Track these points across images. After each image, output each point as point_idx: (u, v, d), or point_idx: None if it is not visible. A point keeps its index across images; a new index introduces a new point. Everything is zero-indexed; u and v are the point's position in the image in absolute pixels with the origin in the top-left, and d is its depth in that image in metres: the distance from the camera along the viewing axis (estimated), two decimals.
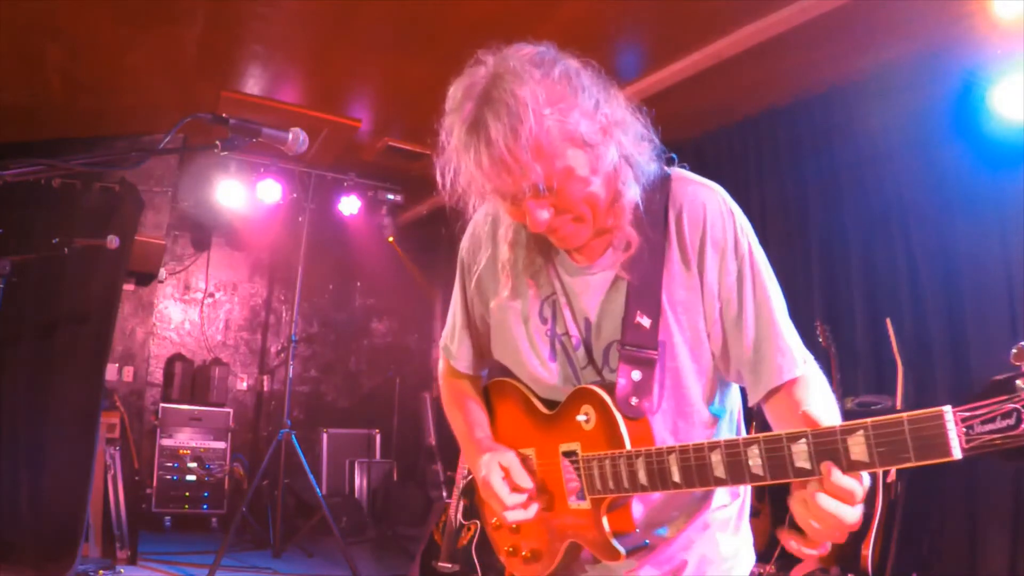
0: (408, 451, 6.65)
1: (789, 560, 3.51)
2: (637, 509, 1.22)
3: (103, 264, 4.53)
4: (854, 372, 3.87)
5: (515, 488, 1.22)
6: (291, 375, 5.06)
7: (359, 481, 6.34)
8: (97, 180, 4.71)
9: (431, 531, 4.00)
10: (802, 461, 0.90)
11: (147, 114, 4.52)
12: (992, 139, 3.30)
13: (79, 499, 4.18)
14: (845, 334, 3.93)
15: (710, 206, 1.20)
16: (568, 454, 1.23)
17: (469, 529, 4.06)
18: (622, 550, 1.15)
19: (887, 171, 3.93)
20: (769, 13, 3.30)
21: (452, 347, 1.48)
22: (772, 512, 3.87)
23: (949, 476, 3.43)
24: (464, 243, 1.43)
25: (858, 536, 3.32)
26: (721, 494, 1.30)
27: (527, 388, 1.35)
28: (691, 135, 4.77)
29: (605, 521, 1.16)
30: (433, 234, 7.13)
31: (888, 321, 3.56)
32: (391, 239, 6.63)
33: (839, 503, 0.88)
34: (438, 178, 1.20)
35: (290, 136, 1.57)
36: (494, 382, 1.46)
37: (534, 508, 1.22)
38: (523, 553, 1.33)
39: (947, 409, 0.80)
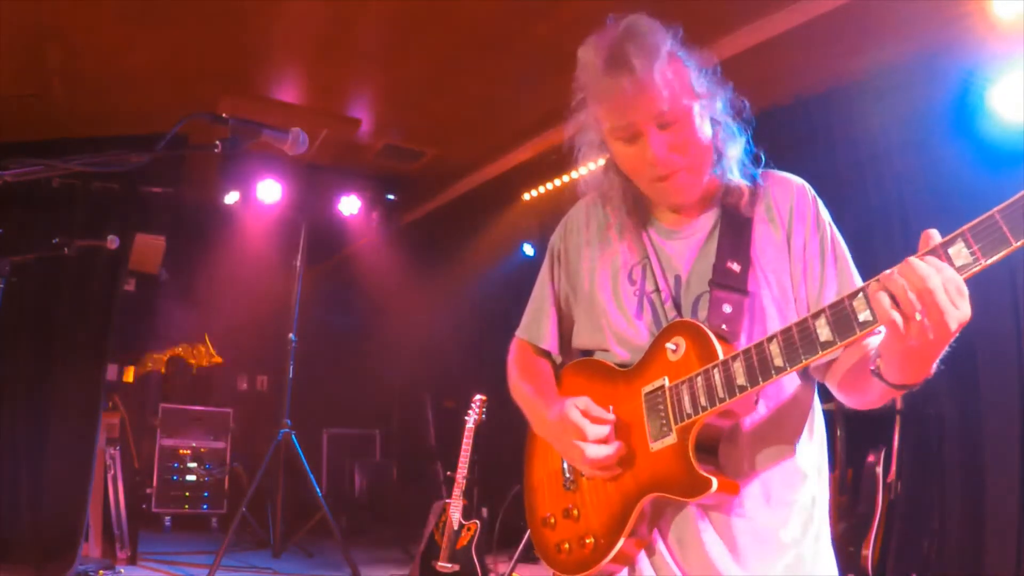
0: (408, 451, 6.65)
1: None
2: (724, 452, 1.20)
3: (103, 264, 4.54)
4: None
5: (596, 421, 1.22)
6: (291, 375, 5.06)
7: (359, 481, 6.35)
8: (97, 180, 4.71)
9: (431, 531, 4.00)
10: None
11: (147, 114, 4.52)
12: (991, 139, 3.31)
13: (79, 499, 4.18)
14: None
15: (797, 187, 1.36)
16: (651, 393, 1.22)
17: (469, 529, 4.07)
18: (712, 478, 1.11)
19: (887, 171, 3.93)
20: (769, 13, 3.30)
21: (537, 329, 1.51)
22: None
23: (950, 474, 3.43)
24: (557, 232, 1.53)
25: (858, 536, 3.33)
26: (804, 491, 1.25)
27: (604, 360, 1.36)
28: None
29: (691, 449, 1.13)
30: (433, 234, 7.13)
31: None
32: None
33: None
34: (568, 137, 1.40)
35: (290, 136, 1.57)
36: (570, 364, 1.46)
37: (616, 445, 1.21)
38: (568, 546, 1.28)
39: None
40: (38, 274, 4.37)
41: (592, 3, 3.41)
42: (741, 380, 1.09)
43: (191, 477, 5.76)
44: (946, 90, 3.49)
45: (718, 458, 1.18)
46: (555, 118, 4.77)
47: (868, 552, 3.21)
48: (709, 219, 1.33)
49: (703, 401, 1.13)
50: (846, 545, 3.41)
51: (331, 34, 3.77)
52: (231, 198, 5.70)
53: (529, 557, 4.14)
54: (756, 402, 1.19)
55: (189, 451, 5.82)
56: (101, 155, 1.44)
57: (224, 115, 1.50)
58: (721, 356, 1.14)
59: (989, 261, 0.94)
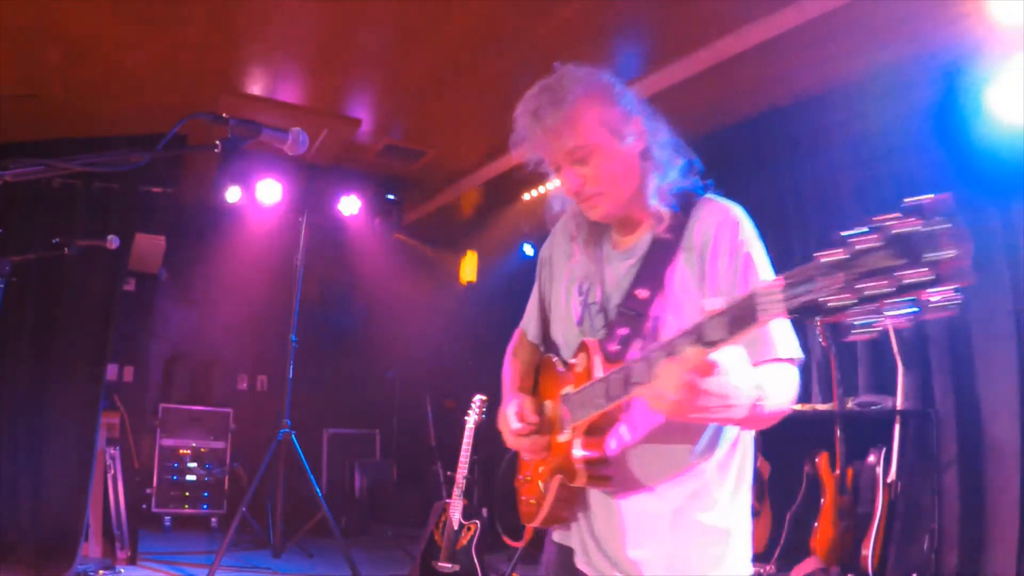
0: (408, 451, 6.65)
1: (789, 560, 3.51)
2: (612, 444, 1.40)
3: (103, 264, 4.54)
4: (854, 372, 3.88)
5: (520, 419, 1.50)
6: (291, 375, 5.06)
7: (359, 481, 6.34)
8: (97, 180, 4.71)
9: (431, 531, 4.00)
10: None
11: (147, 114, 4.52)
12: (990, 140, 3.31)
13: (79, 499, 4.19)
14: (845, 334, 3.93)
15: (721, 216, 1.43)
16: (562, 397, 1.46)
17: (469, 529, 4.07)
18: (582, 472, 1.34)
19: (886, 171, 3.93)
20: (769, 13, 3.30)
21: (529, 323, 1.76)
22: (772, 512, 3.87)
23: (950, 474, 3.43)
24: (545, 243, 1.74)
25: (858, 536, 3.33)
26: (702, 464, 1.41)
27: (559, 356, 1.58)
28: (691, 135, 4.75)
29: (578, 443, 1.36)
30: (433, 234, 7.14)
31: None
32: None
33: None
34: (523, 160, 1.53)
35: (290, 136, 1.57)
36: (543, 359, 1.69)
37: (532, 440, 1.48)
38: (531, 501, 1.55)
39: (778, 278, 0.96)
40: (38, 274, 4.37)
41: (592, 3, 3.42)
42: (612, 393, 1.27)
43: (191, 477, 5.76)
44: (945, 91, 3.49)
45: (604, 452, 1.38)
46: None
47: (868, 552, 3.21)
48: (645, 243, 1.47)
49: (586, 409, 1.35)
50: (846, 545, 3.41)
51: (331, 34, 3.77)
52: (232, 195, 5.69)
53: (529, 557, 4.14)
54: (626, 410, 1.39)
55: (189, 451, 5.82)
56: (101, 155, 1.44)
57: (224, 115, 1.50)
58: (599, 374, 1.34)
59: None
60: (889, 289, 0.80)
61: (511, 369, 1.72)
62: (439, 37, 3.71)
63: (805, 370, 4.19)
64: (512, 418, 1.51)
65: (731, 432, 1.43)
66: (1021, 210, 3.33)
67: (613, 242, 1.54)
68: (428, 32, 3.68)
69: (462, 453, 3.94)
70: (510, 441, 1.53)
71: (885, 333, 3.56)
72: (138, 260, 4.94)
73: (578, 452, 1.34)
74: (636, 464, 1.40)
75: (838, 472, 3.50)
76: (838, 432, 3.57)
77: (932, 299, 0.78)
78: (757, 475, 3.86)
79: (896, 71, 3.63)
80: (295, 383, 5.00)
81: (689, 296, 1.38)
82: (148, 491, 5.56)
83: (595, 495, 1.44)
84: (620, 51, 3.86)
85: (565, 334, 1.57)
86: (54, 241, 3.43)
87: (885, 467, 3.35)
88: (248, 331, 6.54)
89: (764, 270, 1.37)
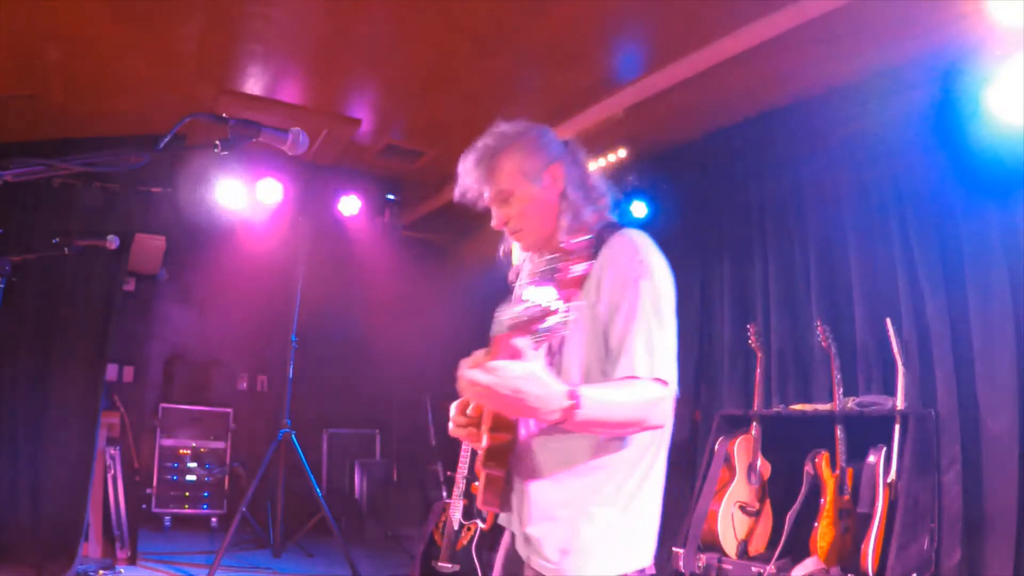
0: (408, 451, 6.64)
1: (789, 560, 3.51)
2: (521, 436, 1.61)
3: (103, 264, 4.54)
4: (854, 372, 3.88)
5: (461, 413, 1.71)
6: (291, 375, 5.06)
7: (359, 481, 6.34)
8: (97, 180, 4.71)
9: (431, 531, 4.00)
10: None
11: (147, 114, 4.52)
12: (990, 140, 3.31)
13: (79, 499, 4.19)
14: (845, 334, 3.93)
15: (621, 246, 1.58)
16: None
17: (469, 529, 4.07)
18: (481, 460, 1.58)
19: (886, 171, 3.93)
20: (769, 13, 3.29)
21: None
22: (772, 512, 3.87)
23: (950, 474, 3.43)
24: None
25: (858, 536, 3.33)
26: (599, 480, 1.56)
27: None
28: (691, 135, 4.78)
29: (485, 437, 1.59)
30: (433, 234, 7.13)
31: (888, 321, 3.57)
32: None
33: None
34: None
35: (290, 136, 1.57)
36: None
37: (468, 431, 1.68)
38: (476, 484, 1.82)
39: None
40: (38, 274, 4.37)
41: (592, 3, 3.42)
42: None
43: (191, 477, 5.76)
44: (943, 91, 3.49)
45: (508, 450, 1.60)
46: (555, 118, 4.79)
47: (868, 552, 3.21)
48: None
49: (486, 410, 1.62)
50: (846, 545, 3.41)
51: (331, 34, 3.77)
52: (232, 195, 5.70)
53: None
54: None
55: (189, 451, 5.82)
56: (101, 155, 1.44)
57: (224, 115, 1.50)
58: None
59: None
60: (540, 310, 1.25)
61: None
62: (439, 37, 3.71)
63: (805, 370, 4.20)
64: (454, 411, 1.73)
65: (641, 435, 1.54)
66: (1020, 210, 3.32)
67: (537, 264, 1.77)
68: (428, 32, 3.68)
69: (462, 453, 3.94)
70: (451, 429, 1.73)
71: (885, 333, 3.56)
72: (138, 260, 4.94)
73: (484, 443, 1.60)
74: (539, 455, 1.58)
75: (838, 472, 3.50)
76: (838, 432, 3.57)
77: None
78: (758, 475, 3.86)
79: (895, 71, 3.63)
80: (295, 383, 5.00)
81: (592, 317, 1.55)
82: (148, 491, 5.56)
83: (516, 482, 1.62)
84: (620, 51, 3.86)
85: None
86: (54, 241, 3.43)
87: (885, 467, 3.34)
88: (248, 331, 6.54)
89: (650, 307, 1.49)
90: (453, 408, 1.74)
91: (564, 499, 1.55)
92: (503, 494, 1.64)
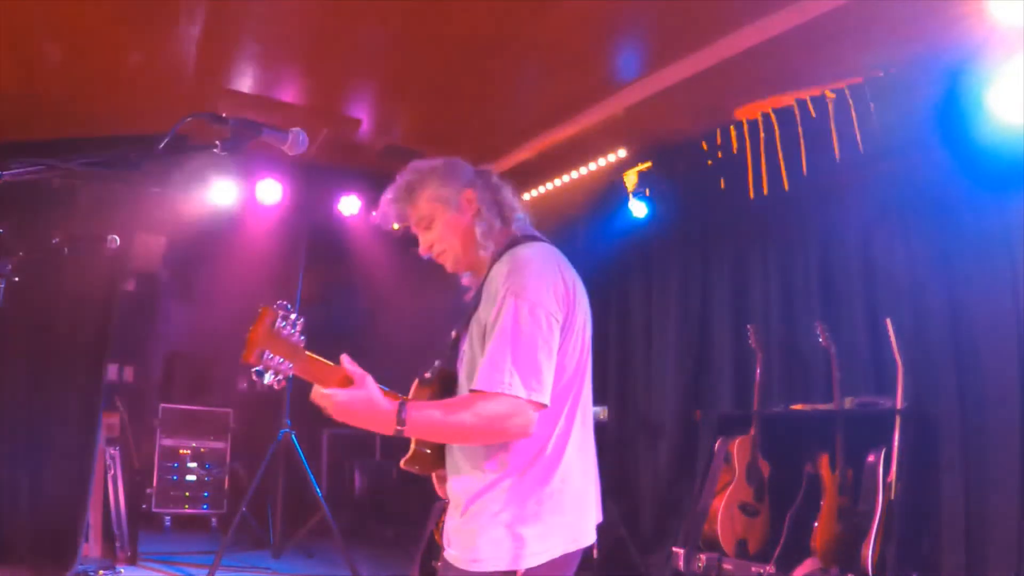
0: (408, 451, 6.63)
1: (789, 560, 3.51)
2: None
3: (103, 264, 4.54)
4: (854, 372, 3.88)
5: None
6: (291, 375, 5.04)
7: (359, 481, 6.34)
8: (97, 180, 4.71)
9: (431, 531, 3.99)
10: None
11: (147, 114, 4.52)
12: (990, 140, 3.31)
13: (79, 499, 4.19)
14: (845, 334, 3.93)
15: (501, 267, 1.67)
16: None
17: None
18: (411, 450, 1.83)
19: (886, 171, 3.93)
20: (769, 13, 3.29)
21: None
22: (772, 512, 3.87)
23: (950, 474, 3.43)
24: None
25: (858, 536, 3.33)
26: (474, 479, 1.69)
27: None
28: (691, 135, 4.77)
29: (412, 443, 1.82)
30: None
31: (888, 321, 3.57)
32: (396, 226, 6.60)
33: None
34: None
35: (290, 136, 1.57)
36: None
37: None
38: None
39: None
40: (38, 274, 4.36)
41: (592, 3, 3.42)
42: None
43: (191, 477, 5.76)
44: (945, 91, 3.49)
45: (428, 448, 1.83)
46: (555, 118, 4.78)
47: (868, 552, 3.21)
48: (477, 289, 1.80)
49: None
50: (846, 545, 3.41)
51: (331, 34, 3.77)
52: (232, 196, 5.70)
53: None
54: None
55: (189, 451, 5.82)
56: (101, 155, 1.44)
57: (224, 115, 1.50)
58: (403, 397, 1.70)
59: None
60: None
61: None
62: (439, 37, 3.71)
63: (805, 370, 4.20)
64: None
65: (530, 447, 1.61)
66: (1021, 210, 3.33)
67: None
68: (428, 32, 3.68)
69: None
70: None
71: (885, 333, 3.56)
72: (138, 260, 4.94)
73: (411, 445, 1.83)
74: (448, 457, 1.78)
75: (838, 472, 3.50)
76: (838, 432, 3.57)
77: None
78: (758, 475, 3.86)
79: (896, 71, 3.63)
80: (295, 383, 4.99)
81: (476, 338, 1.68)
82: (148, 491, 5.56)
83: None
84: (620, 51, 3.86)
85: None
86: (54, 241, 3.43)
87: (885, 467, 3.34)
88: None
89: (515, 323, 1.57)
90: None
91: (459, 497, 1.74)
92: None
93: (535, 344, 1.56)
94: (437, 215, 1.82)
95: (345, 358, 1.67)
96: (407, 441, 1.83)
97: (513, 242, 1.77)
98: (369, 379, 1.62)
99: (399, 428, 1.54)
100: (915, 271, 3.77)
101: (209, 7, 3.46)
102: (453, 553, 1.72)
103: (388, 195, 1.87)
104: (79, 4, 3.35)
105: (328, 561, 4.99)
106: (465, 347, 1.75)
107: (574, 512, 1.63)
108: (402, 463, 1.89)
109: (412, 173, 1.85)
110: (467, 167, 1.90)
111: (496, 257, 1.75)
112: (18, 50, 3.77)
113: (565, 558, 1.60)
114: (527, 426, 1.55)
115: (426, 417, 1.58)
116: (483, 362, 1.57)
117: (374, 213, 1.95)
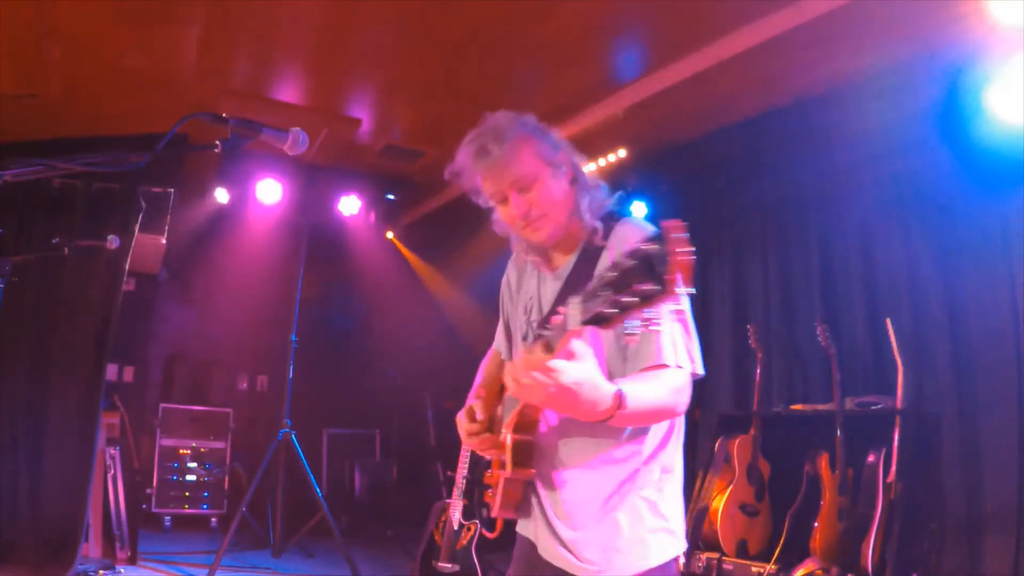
0: (408, 451, 6.64)
1: (789, 560, 3.51)
2: (545, 438, 1.59)
3: (103, 264, 4.53)
4: (854, 372, 3.88)
5: (471, 419, 1.68)
6: (291, 375, 5.06)
7: (359, 481, 6.34)
8: (97, 180, 4.71)
9: (431, 531, 3.99)
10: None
11: (147, 114, 4.52)
12: (990, 140, 3.31)
13: (79, 499, 4.18)
14: (845, 334, 3.93)
15: (632, 235, 1.56)
16: (505, 399, 1.69)
17: (469, 529, 4.06)
18: (509, 462, 1.54)
19: (886, 171, 3.93)
20: (769, 13, 3.29)
21: (498, 343, 1.95)
22: (772, 512, 3.87)
23: (950, 474, 3.43)
24: (507, 269, 1.92)
25: (858, 536, 3.32)
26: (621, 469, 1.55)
27: None
28: (691, 135, 4.77)
29: (508, 438, 1.56)
30: (433, 234, 7.12)
31: (888, 321, 3.56)
32: (391, 235, 6.62)
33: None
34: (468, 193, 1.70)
35: (290, 136, 1.57)
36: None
37: (481, 439, 1.65)
38: (491, 492, 1.70)
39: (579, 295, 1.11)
40: (38, 274, 4.36)
41: (592, 3, 3.42)
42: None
43: (191, 477, 5.76)
44: (944, 91, 3.49)
45: (531, 446, 1.58)
46: (555, 118, 4.78)
47: (868, 552, 3.21)
48: (571, 263, 1.65)
49: (510, 410, 1.59)
50: (846, 545, 3.41)
51: (331, 34, 3.77)
52: (223, 197, 5.71)
53: None
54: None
55: (189, 451, 5.82)
56: (101, 155, 1.44)
57: (224, 115, 1.50)
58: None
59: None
60: (635, 299, 0.98)
61: (477, 378, 1.95)
62: (439, 37, 3.71)
63: (805, 370, 4.20)
64: (460, 419, 1.71)
65: (660, 426, 1.57)
66: (1021, 210, 3.32)
67: (553, 264, 1.72)
68: (428, 32, 3.68)
69: (462, 453, 3.93)
70: (464, 440, 1.70)
71: (885, 333, 3.56)
72: (138, 260, 4.93)
73: (507, 445, 1.56)
74: (564, 453, 1.57)
75: (838, 472, 3.50)
76: (838, 432, 3.57)
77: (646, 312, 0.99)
78: (758, 475, 3.86)
79: (896, 71, 3.62)
80: (295, 383, 5.00)
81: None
82: (148, 491, 5.56)
83: (542, 485, 1.60)
84: (620, 51, 3.86)
85: (514, 352, 1.82)
86: (54, 241, 3.43)
87: (885, 467, 3.34)
88: (248, 331, 6.54)
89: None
90: (462, 417, 1.71)
91: (598, 495, 1.54)
92: (522, 500, 1.63)
93: (689, 319, 1.56)
94: (541, 176, 1.59)
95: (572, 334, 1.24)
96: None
97: (611, 216, 1.64)
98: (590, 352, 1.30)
99: (615, 407, 1.32)
100: (915, 271, 3.77)
101: (209, 7, 3.46)
102: (595, 560, 1.52)
103: (474, 155, 1.58)
104: (79, 4, 3.35)
105: (328, 561, 4.99)
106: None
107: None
108: (495, 511, 1.65)
109: (501, 128, 1.59)
110: (546, 128, 1.69)
111: (595, 232, 1.60)
112: (18, 50, 3.77)
113: None
114: (688, 402, 1.50)
115: (643, 394, 1.40)
116: (658, 337, 1.46)
117: (450, 169, 1.65)
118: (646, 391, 1.41)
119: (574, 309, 1.11)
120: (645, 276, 0.97)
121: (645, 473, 1.54)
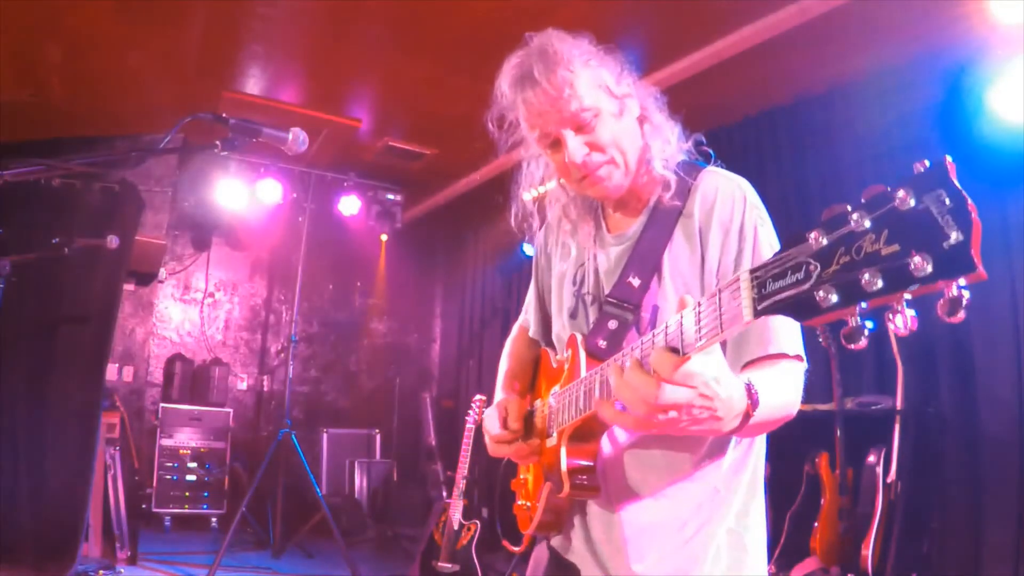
0: (408, 451, 6.65)
1: (789, 560, 3.51)
2: (605, 448, 1.27)
3: (103, 264, 4.53)
4: (854, 372, 3.88)
5: (503, 426, 1.38)
6: (291, 375, 5.06)
7: (359, 481, 6.34)
8: (97, 180, 4.70)
9: (431, 531, 3.99)
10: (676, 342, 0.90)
11: (147, 114, 4.53)
12: (990, 139, 3.31)
13: (79, 499, 4.18)
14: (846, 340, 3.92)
15: (723, 190, 1.27)
16: (552, 395, 1.33)
17: (469, 529, 4.07)
18: (566, 481, 1.20)
19: (887, 171, 3.93)
20: (769, 13, 3.30)
21: (528, 316, 1.65)
22: (772, 512, 3.87)
23: (950, 474, 3.43)
24: (541, 231, 1.58)
25: (858, 536, 3.32)
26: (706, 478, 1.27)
27: (550, 357, 1.46)
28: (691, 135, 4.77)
29: (563, 451, 1.21)
30: (433, 234, 7.13)
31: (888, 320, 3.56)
32: (384, 237, 6.60)
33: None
34: (495, 135, 1.39)
35: (290, 136, 1.57)
36: (541, 352, 1.55)
37: (516, 447, 1.35)
38: (525, 505, 1.42)
39: (744, 272, 0.78)
40: (38, 274, 4.36)
41: (592, 3, 3.42)
42: (587, 400, 1.13)
43: (191, 477, 5.75)
44: (945, 91, 3.49)
45: (594, 460, 1.24)
46: None
47: (868, 552, 3.21)
48: (640, 225, 1.33)
49: (570, 412, 1.20)
50: (846, 545, 3.41)
51: (331, 34, 3.77)
52: (232, 196, 5.71)
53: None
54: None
55: (189, 451, 5.81)
56: (101, 155, 1.44)
57: (224, 115, 1.50)
58: (583, 373, 1.19)
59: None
60: (880, 285, 0.63)
61: (503, 367, 1.61)
62: (439, 37, 3.71)
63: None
64: (494, 423, 1.40)
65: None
66: (1021, 209, 3.32)
67: (608, 225, 1.39)
68: (428, 32, 3.68)
69: (462, 453, 3.94)
70: (491, 448, 1.41)
71: (885, 333, 3.55)
72: (138, 260, 4.93)
73: (563, 460, 1.21)
74: (633, 472, 1.26)
75: (838, 472, 3.50)
76: (838, 432, 3.56)
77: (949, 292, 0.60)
78: None
79: (898, 71, 3.63)
80: (295, 383, 4.99)
81: (690, 282, 1.23)
82: (148, 491, 5.55)
83: (593, 505, 1.30)
84: (620, 51, 3.86)
85: (559, 328, 1.44)
86: (54, 241, 3.43)
87: (885, 467, 3.34)
88: (248, 331, 6.55)
89: (768, 249, 1.19)
90: (492, 418, 1.41)
91: (670, 521, 1.23)
92: (568, 516, 1.34)
93: None
94: (603, 111, 1.25)
95: None
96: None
97: (689, 167, 1.32)
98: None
99: (748, 409, 0.99)
100: None
101: (209, 7, 3.47)
102: None
103: (523, 70, 1.25)
104: (79, 4, 3.35)
105: (328, 561, 4.99)
106: (661, 300, 1.24)
107: None
108: (534, 528, 1.36)
109: (564, 45, 1.27)
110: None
111: (667, 186, 1.27)
112: (19, 51, 3.77)
113: None
114: None
115: (773, 388, 1.07)
116: (776, 324, 1.14)
117: (489, 116, 1.35)
118: (774, 393, 1.07)
119: (745, 289, 0.76)
120: (929, 240, 0.60)
121: (726, 495, 1.25)
